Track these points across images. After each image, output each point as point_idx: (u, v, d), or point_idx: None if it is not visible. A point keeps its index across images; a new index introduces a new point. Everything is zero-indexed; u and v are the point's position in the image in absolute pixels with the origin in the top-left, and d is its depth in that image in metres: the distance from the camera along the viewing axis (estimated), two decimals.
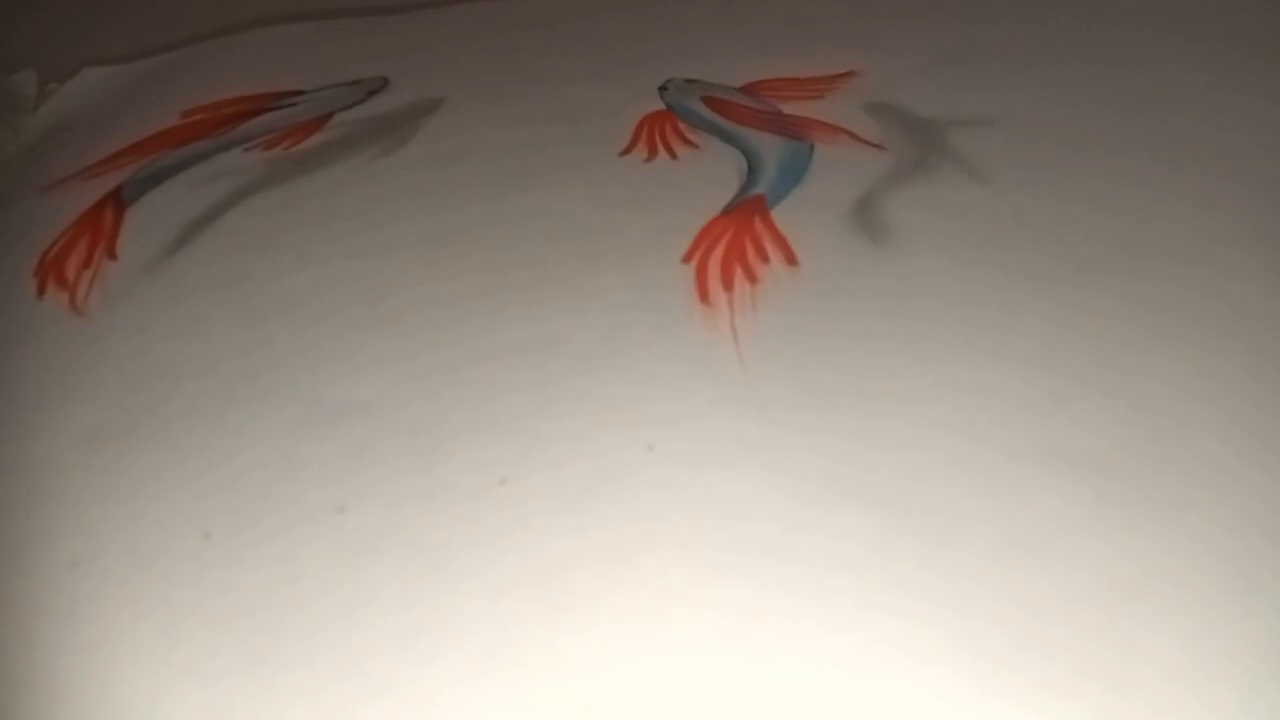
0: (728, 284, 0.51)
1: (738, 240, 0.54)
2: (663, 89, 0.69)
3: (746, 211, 0.57)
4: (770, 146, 0.62)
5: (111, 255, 0.59)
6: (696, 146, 0.63)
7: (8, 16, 0.87)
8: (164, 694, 0.36)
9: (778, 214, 0.56)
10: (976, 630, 0.35)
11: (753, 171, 0.60)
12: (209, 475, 0.42)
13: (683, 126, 0.65)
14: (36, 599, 0.39)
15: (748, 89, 0.69)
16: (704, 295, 0.50)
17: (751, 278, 0.51)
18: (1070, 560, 0.37)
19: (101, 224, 0.63)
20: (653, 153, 0.63)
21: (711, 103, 0.67)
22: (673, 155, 0.62)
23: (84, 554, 0.40)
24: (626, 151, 0.63)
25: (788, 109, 0.66)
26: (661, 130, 0.65)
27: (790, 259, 0.52)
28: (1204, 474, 0.39)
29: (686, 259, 0.53)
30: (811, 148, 0.61)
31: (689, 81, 0.69)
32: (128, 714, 0.35)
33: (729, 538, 0.38)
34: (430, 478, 0.42)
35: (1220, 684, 0.33)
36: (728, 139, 0.63)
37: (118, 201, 0.65)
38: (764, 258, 0.53)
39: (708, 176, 0.60)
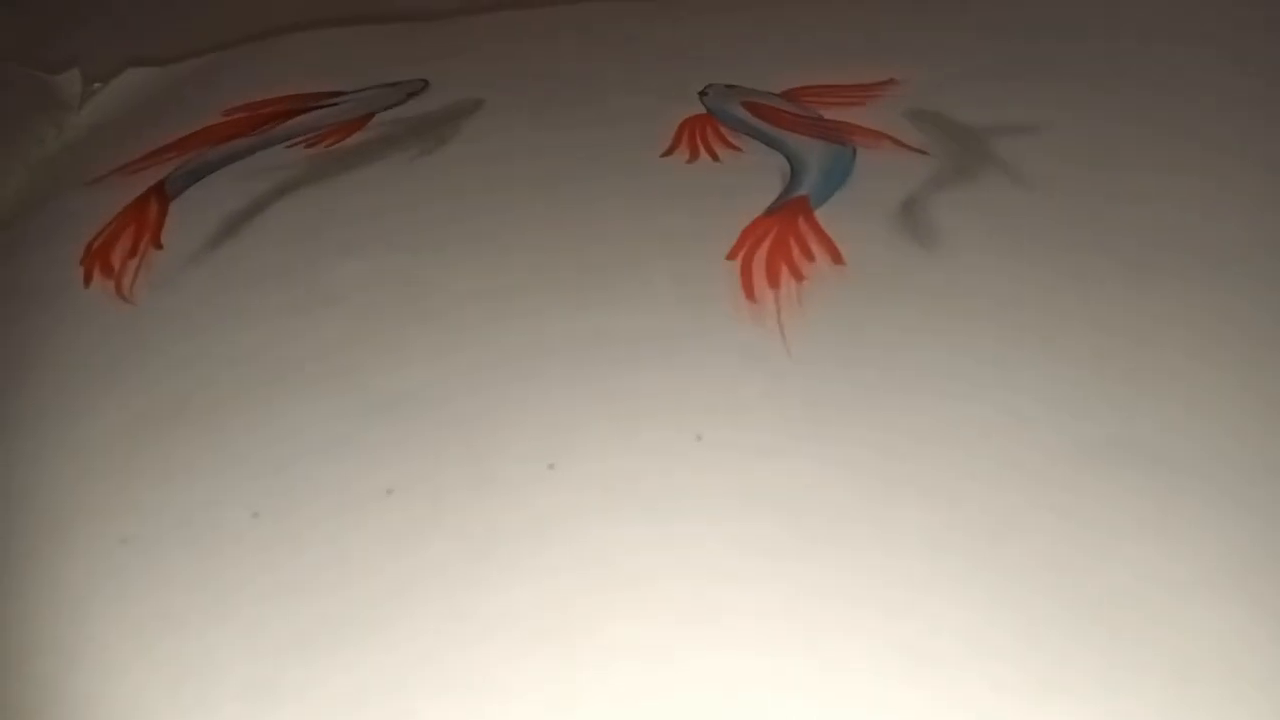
0: (773, 281, 0.51)
1: (782, 239, 0.54)
2: (702, 94, 0.69)
3: (790, 212, 0.56)
4: (812, 150, 0.62)
5: (157, 245, 0.60)
6: (738, 149, 0.63)
7: (54, 18, 0.88)
8: (213, 669, 0.35)
9: (822, 215, 0.56)
10: (1034, 625, 0.34)
11: (795, 174, 0.60)
12: (258, 457, 0.42)
13: (724, 130, 0.65)
14: (89, 575, 0.39)
15: (788, 95, 0.69)
16: (749, 292, 0.50)
17: (797, 275, 0.51)
18: (1129, 557, 0.36)
19: (146, 215, 0.63)
20: (694, 154, 0.63)
21: (752, 107, 0.67)
22: (714, 157, 0.62)
23: (135, 531, 0.40)
24: (668, 153, 0.63)
25: (829, 114, 0.66)
26: (703, 132, 0.65)
27: (836, 258, 0.52)
28: (1265, 474, 0.38)
29: (731, 256, 0.53)
30: (854, 151, 0.61)
31: (729, 87, 0.70)
32: (177, 688, 0.35)
33: (781, 527, 0.38)
34: (477, 466, 0.42)
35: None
36: (769, 142, 0.63)
37: (161, 194, 0.65)
38: (809, 256, 0.53)
39: (750, 178, 0.60)
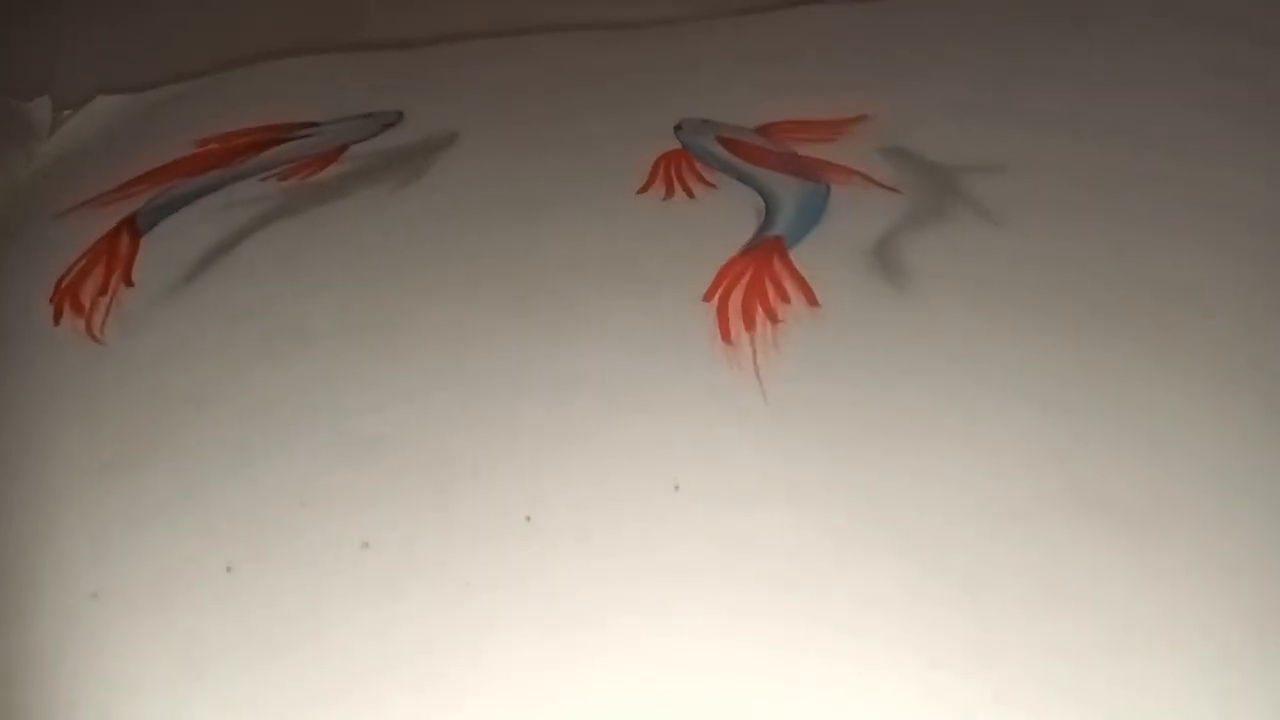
0: (749, 323, 0.51)
1: (758, 280, 0.55)
2: (678, 128, 0.69)
3: (766, 251, 0.57)
4: (787, 188, 0.62)
5: (128, 282, 0.59)
6: (713, 186, 0.63)
7: (23, 45, 0.87)
8: None
9: (796, 255, 0.56)
10: (1010, 677, 0.35)
11: (770, 212, 0.60)
12: (231, 505, 0.42)
13: (699, 166, 0.65)
14: (58, 632, 0.38)
15: (762, 130, 0.69)
16: (726, 334, 0.51)
17: (773, 318, 0.51)
18: (1099, 608, 0.37)
19: (117, 251, 0.62)
20: (670, 191, 0.63)
21: (727, 143, 0.68)
22: (690, 194, 0.63)
23: (106, 586, 0.39)
24: (644, 189, 0.63)
25: (802, 150, 0.66)
26: (678, 169, 0.65)
27: (811, 300, 0.53)
28: (1228, 522, 0.39)
29: (707, 298, 0.53)
30: (828, 189, 0.62)
31: (704, 122, 0.70)
32: None
33: (758, 578, 0.38)
34: (451, 514, 0.42)
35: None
36: (744, 179, 0.64)
37: (133, 228, 0.64)
38: (785, 298, 0.53)
39: (725, 216, 0.60)
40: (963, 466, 0.42)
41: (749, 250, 0.57)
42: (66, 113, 0.81)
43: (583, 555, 0.39)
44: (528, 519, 0.41)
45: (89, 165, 0.75)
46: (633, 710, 0.34)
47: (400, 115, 0.74)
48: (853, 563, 0.38)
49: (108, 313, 0.57)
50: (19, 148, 0.78)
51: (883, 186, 0.62)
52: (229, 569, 0.39)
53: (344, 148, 0.71)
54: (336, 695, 0.36)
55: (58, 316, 0.58)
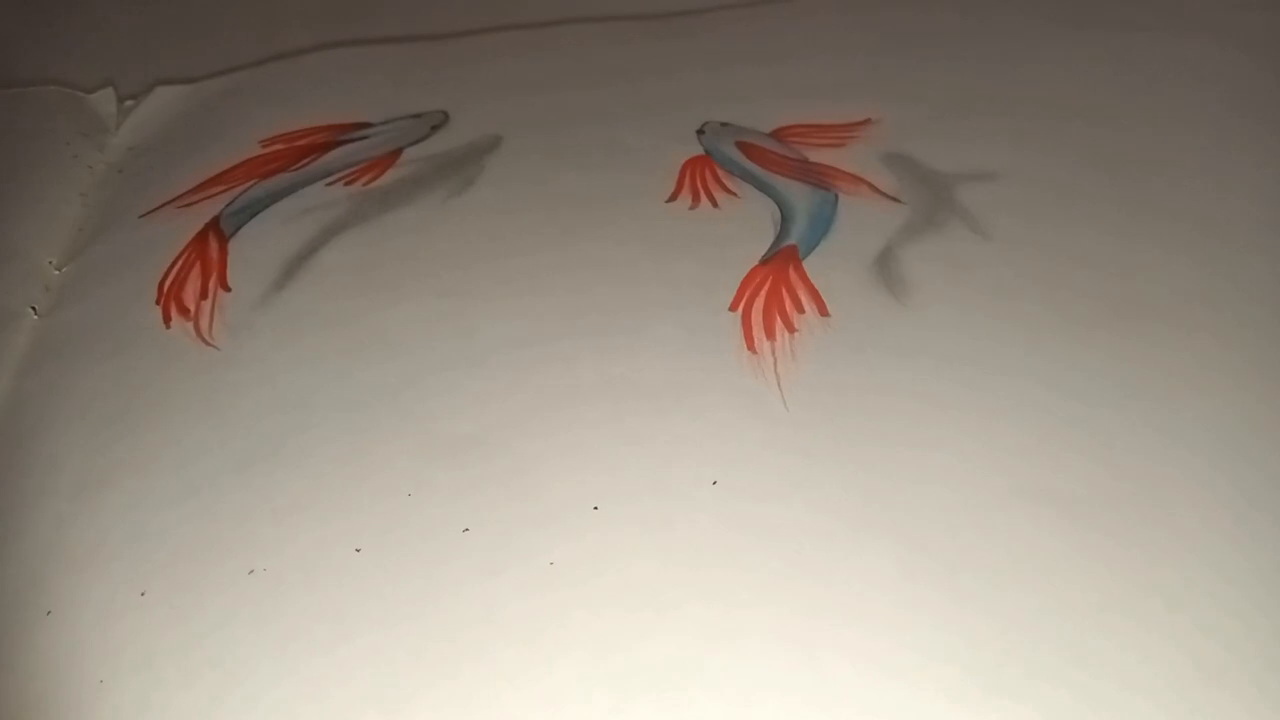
0: (770, 333, 0.60)
1: (776, 290, 0.63)
2: (700, 132, 0.77)
3: (782, 261, 0.65)
4: (800, 196, 0.70)
5: (224, 287, 0.68)
6: (735, 194, 0.71)
7: (81, 40, 0.93)
8: (336, 687, 0.45)
9: (808, 264, 0.65)
10: (975, 643, 0.45)
11: (785, 221, 0.68)
12: (350, 496, 0.51)
13: (721, 173, 0.73)
14: (222, 602, 0.48)
15: (777, 134, 0.76)
16: (750, 343, 0.59)
17: (790, 327, 0.60)
18: (1050, 588, 0.46)
19: (209, 255, 0.71)
20: (696, 200, 0.71)
21: (745, 148, 0.75)
22: (714, 203, 0.71)
23: (260, 563, 0.49)
24: (672, 198, 0.71)
25: (813, 156, 0.74)
26: (703, 177, 0.73)
27: (822, 310, 0.61)
28: (1154, 518, 0.48)
29: (733, 307, 0.62)
30: (836, 198, 0.70)
31: (723, 125, 0.77)
32: (318, 697, 0.44)
33: (780, 559, 0.48)
34: (533, 504, 0.51)
35: (1167, 690, 0.43)
36: (762, 187, 0.71)
37: (219, 232, 0.72)
38: (799, 308, 0.62)
39: (746, 225, 0.68)
40: (941, 468, 0.51)
41: (767, 260, 0.65)
42: (129, 103, 0.88)
43: (642, 539, 0.49)
44: (596, 508, 0.50)
45: (158, 160, 0.82)
46: (685, 658, 0.44)
47: (446, 116, 0.81)
48: (856, 548, 0.48)
49: (212, 317, 0.65)
50: (92, 144, 0.85)
51: (885, 196, 0.69)
52: (358, 550, 0.49)
53: (398, 151, 0.78)
54: (451, 657, 0.45)
55: (167, 319, 0.66)
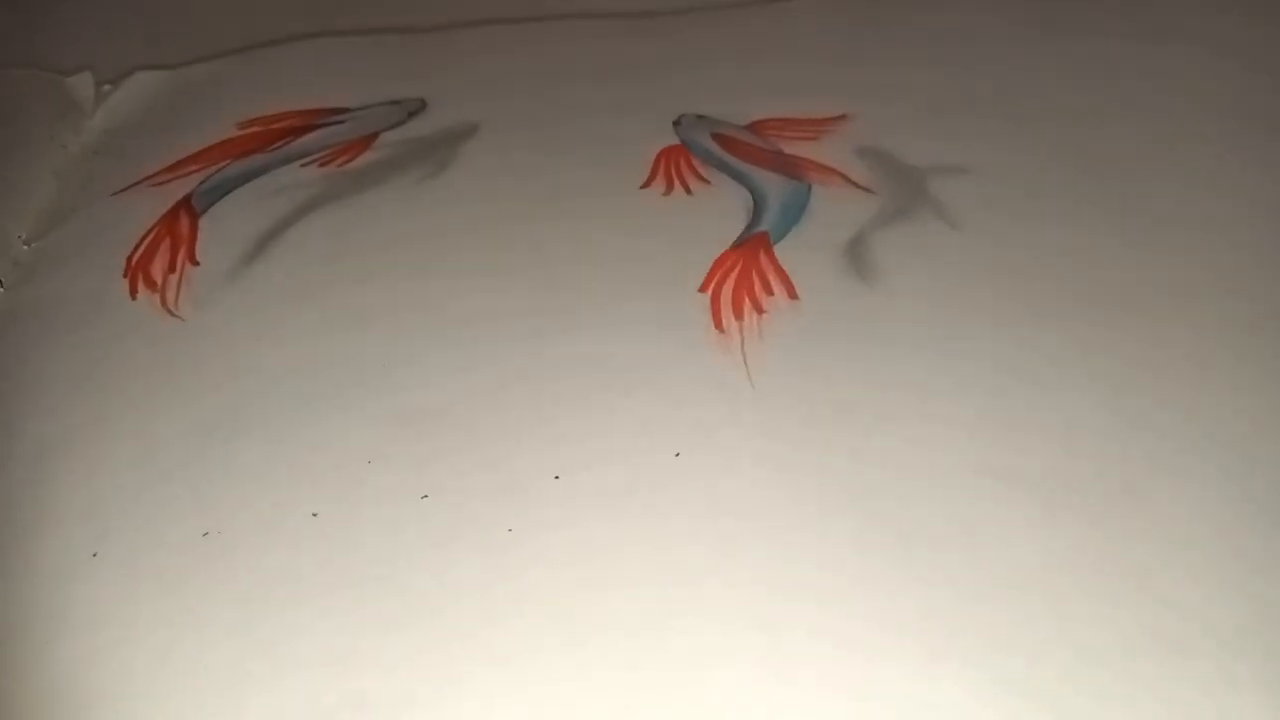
0: (738, 313, 0.60)
1: (746, 273, 0.63)
2: (676, 123, 0.77)
3: (753, 247, 0.66)
4: (773, 185, 0.71)
5: (193, 261, 0.67)
6: (708, 183, 0.71)
7: (61, 23, 0.93)
8: (286, 645, 0.44)
9: (779, 250, 0.65)
10: (933, 616, 0.44)
11: (758, 209, 0.69)
12: (311, 462, 0.51)
13: (695, 162, 0.73)
14: (175, 563, 0.47)
15: (753, 127, 0.77)
16: (718, 322, 0.60)
17: (758, 309, 0.60)
18: (1010, 563, 0.46)
19: (179, 230, 0.70)
20: (670, 186, 0.71)
21: (721, 139, 0.76)
22: (687, 190, 0.71)
23: (215, 526, 0.48)
24: (647, 184, 0.71)
25: (788, 149, 0.75)
26: (677, 165, 0.73)
27: (791, 293, 0.61)
28: (1115, 496, 0.49)
29: (703, 289, 0.62)
30: (810, 188, 0.70)
31: (700, 118, 0.78)
32: (257, 659, 0.44)
33: (741, 533, 0.48)
34: (494, 473, 0.51)
35: (1125, 660, 0.43)
36: (736, 176, 0.72)
37: (190, 209, 0.72)
38: (769, 291, 0.62)
39: (719, 211, 0.69)
40: (911, 445, 0.52)
41: (738, 245, 0.66)
42: (106, 87, 0.88)
43: (602, 507, 0.48)
44: (557, 478, 0.50)
45: (135, 142, 0.82)
46: (642, 625, 0.44)
47: (424, 103, 0.81)
48: (817, 523, 0.48)
49: (179, 289, 0.65)
50: (68, 125, 0.85)
51: (858, 187, 0.70)
52: (314, 514, 0.49)
53: (374, 135, 0.78)
54: (403, 617, 0.45)
55: (133, 291, 0.66)
